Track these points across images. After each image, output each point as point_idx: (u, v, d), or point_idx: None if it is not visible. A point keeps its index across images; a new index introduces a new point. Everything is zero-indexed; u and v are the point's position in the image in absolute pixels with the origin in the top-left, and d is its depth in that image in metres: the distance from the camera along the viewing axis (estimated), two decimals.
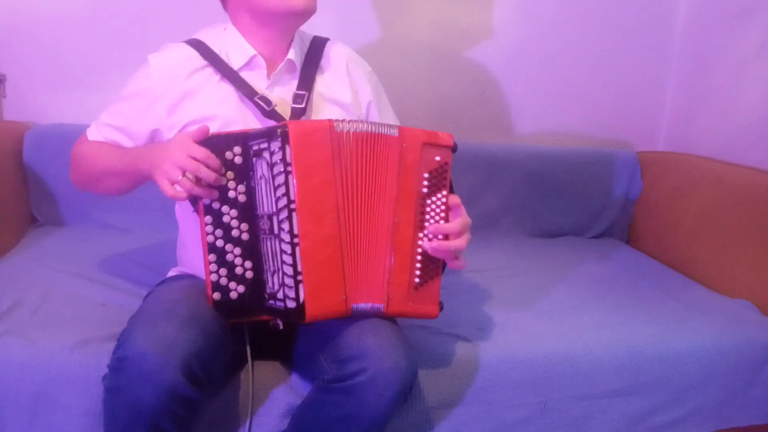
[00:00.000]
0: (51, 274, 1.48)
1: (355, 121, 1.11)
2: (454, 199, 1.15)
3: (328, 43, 1.32)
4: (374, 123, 1.13)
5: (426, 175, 1.13)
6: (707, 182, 1.86)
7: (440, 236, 1.13)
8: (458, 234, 1.13)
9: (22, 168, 1.79)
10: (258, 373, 1.18)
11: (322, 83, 1.27)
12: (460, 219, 1.14)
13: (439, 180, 1.14)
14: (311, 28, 1.34)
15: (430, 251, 1.13)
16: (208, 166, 1.04)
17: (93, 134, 1.26)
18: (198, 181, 1.05)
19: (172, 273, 1.32)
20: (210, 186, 1.06)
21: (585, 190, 2.12)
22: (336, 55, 1.31)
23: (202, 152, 1.03)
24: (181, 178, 1.03)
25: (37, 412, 1.14)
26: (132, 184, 1.21)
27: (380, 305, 1.12)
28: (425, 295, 1.15)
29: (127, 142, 1.22)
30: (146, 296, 1.23)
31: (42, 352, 1.15)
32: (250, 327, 1.16)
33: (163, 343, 0.98)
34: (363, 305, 1.11)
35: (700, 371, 1.40)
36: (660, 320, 1.49)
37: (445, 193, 1.15)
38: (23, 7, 1.83)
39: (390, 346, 1.05)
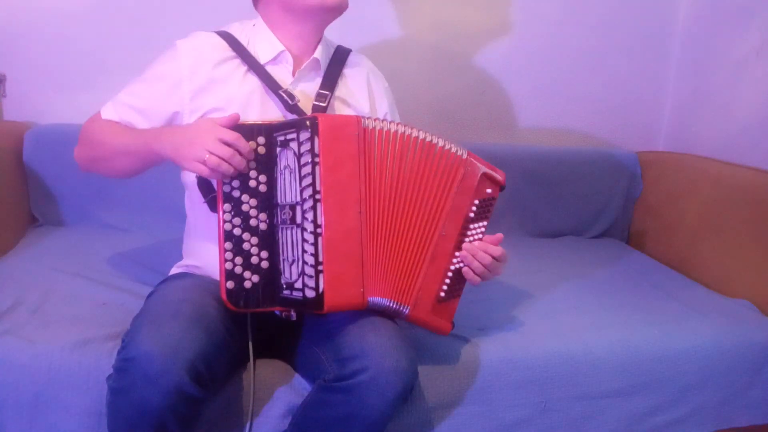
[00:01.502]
0: (51, 274, 1.48)
1: (391, 122, 1.14)
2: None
3: (352, 53, 1.36)
4: (433, 134, 1.17)
5: (476, 202, 1.19)
6: (707, 182, 1.86)
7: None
8: (488, 261, 1.17)
9: (22, 168, 1.79)
10: (259, 372, 1.18)
11: (343, 88, 1.30)
12: (500, 253, 1.18)
13: (485, 210, 1.20)
14: None
15: (464, 252, 1.16)
16: (239, 150, 1.05)
17: (108, 113, 1.25)
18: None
19: (174, 270, 1.32)
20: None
21: (585, 190, 2.12)
22: (358, 65, 1.35)
23: (233, 135, 1.05)
24: (208, 156, 1.03)
25: (37, 412, 1.14)
26: (143, 164, 1.21)
27: (406, 307, 1.14)
28: (445, 310, 1.18)
29: (142, 124, 1.22)
30: (149, 295, 1.22)
31: (42, 352, 1.15)
32: (253, 326, 1.16)
33: (168, 343, 0.98)
34: (380, 300, 1.11)
35: (700, 371, 1.40)
36: (660, 320, 1.49)
37: (485, 224, 1.20)
38: (23, 6, 1.83)
39: (391, 346, 1.06)
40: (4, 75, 1.87)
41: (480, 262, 1.17)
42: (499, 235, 1.20)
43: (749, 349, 1.44)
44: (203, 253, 1.26)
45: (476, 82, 2.13)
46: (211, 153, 1.03)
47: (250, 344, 1.16)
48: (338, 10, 1.23)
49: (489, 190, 1.20)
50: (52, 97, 1.90)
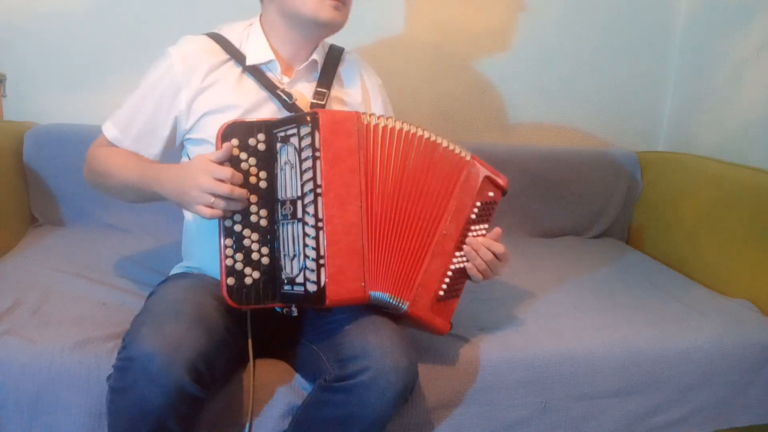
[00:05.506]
0: (51, 274, 1.48)
1: (389, 118, 1.15)
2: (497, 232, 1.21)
3: (345, 51, 1.37)
4: (437, 134, 1.18)
5: (478, 204, 1.20)
6: (707, 182, 1.86)
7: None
8: (489, 258, 1.18)
9: (22, 168, 1.79)
10: (260, 372, 1.18)
11: (338, 87, 1.31)
12: (502, 250, 1.20)
13: (487, 213, 1.22)
14: None
15: (467, 248, 1.18)
16: (233, 182, 1.05)
17: (109, 130, 1.24)
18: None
19: (175, 270, 1.32)
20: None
21: (585, 190, 2.12)
22: (352, 64, 1.36)
23: (227, 172, 1.04)
24: (213, 200, 1.04)
25: (37, 412, 1.14)
26: (145, 199, 1.21)
27: (405, 303, 1.14)
28: (443, 309, 1.19)
29: (145, 137, 1.23)
30: (150, 295, 1.23)
31: (42, 352, 1.15)
32: (253, 325, 1.16)
33: (169, 343, 0.98)
34: (380, 295, 1.11)
35: (700, 371, 1.40)
36: (660, 320, 1.49)
37: (486, 226, 1.21)
38: (23, 6, 1.83)
39: (392, 346, 1.06)
40: (4, 75, 1.87)
41: (482, 258, 1.18)
42: (497, 229, 1.21)
43: (749, 349, 1.44)
44: (202, 253, 1.26)
45: (476, 82, 2.14)
46: (215, 196, 1.03)
47: (250, 344, 1.16)
48: (330, 27, 1.23)
49: (491, 194, 1.21)
50: (52, 97, 1.90)
